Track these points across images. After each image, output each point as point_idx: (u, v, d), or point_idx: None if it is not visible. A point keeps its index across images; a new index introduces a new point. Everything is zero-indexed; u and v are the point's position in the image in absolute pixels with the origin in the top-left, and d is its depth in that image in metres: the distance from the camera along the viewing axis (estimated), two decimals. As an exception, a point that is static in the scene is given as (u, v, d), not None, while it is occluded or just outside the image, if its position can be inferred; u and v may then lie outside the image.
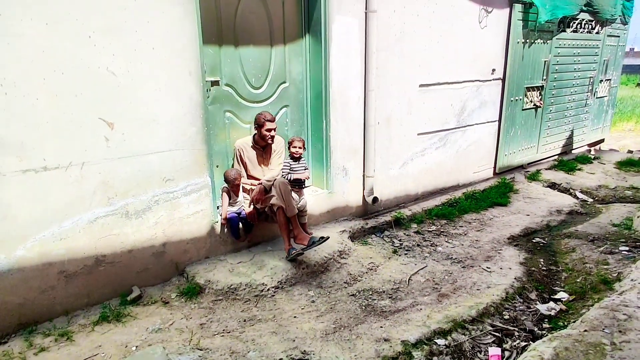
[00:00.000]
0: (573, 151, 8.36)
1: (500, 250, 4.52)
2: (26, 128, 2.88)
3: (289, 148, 4.13)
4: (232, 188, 3.91)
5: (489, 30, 5.83)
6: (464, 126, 5.94)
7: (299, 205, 4.09)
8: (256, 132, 3.96)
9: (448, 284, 3.89)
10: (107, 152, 3.21)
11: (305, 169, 4.17)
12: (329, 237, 3.91)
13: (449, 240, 4.79)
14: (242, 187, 4.04)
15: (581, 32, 7.43)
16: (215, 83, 3.91)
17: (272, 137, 3.94)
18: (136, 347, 2.95)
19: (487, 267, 4.13)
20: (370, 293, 3.75)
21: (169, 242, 3.66)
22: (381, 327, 3.22)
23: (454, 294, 3.69)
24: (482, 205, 5.68)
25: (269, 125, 3.87)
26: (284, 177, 4.02)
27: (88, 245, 3.26)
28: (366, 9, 4.44)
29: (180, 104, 3.49)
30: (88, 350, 2.91)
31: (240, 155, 4.04)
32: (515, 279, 3.89)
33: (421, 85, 5.23)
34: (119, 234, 3.38)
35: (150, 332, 3.12)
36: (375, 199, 4.97)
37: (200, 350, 2.92)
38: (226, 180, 3.90)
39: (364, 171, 4.94)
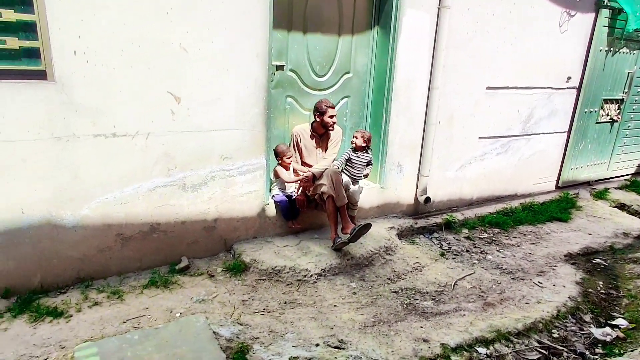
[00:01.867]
0: (649, 172, 7.76)
1: (555, 266, 4.30)
2: (101, 95, 3.04)
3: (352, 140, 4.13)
4: (281, 164, 3.95)
5: (569, 35, 5.49)
6: (529, 134, 5.67)
7: (350, 198, 4.08)
8: (316, 119, 3.97)
9: (495, 293, 3.75)
10: (171, 125, 3.34)
11: (364, 165, 4.13)
12: (371, 225, 3.88)
13: (501, 250, 4.61)
14: (294, 171, 4.08)
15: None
16: (280, 67, 3.95)
17: (334, 124, 3.94)
18: (180, 313, 3.06)
19: (539, 282, 3.94)
20: (413, 292, 3.69)
21: (220, 218, 3.77)
22: (421, 327, 3.16)
23: (501, 305, 3.55)
24: (540, 219, 5.42)
25: (331, 112, 3.87)
26: (338, 167, 4.02)
27: (145, 213, 3.41)
28: (439, 4, 4.31)
29: (245, 85, 3.56)
30: (136, 311, 3.06)
31: (297, 141, 4.07)
32: (569, 297, 3.69)
33: (488, 88, 5.03)
34: (174, 205, 3.52)
35: (195, 301, 3.23)
36: (427, 199, 4.86)
37: (241, 325, 2.99)
38: (276, 152, 3.94)
39: (419, 169, 4.84)
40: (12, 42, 2.77)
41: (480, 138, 5.21)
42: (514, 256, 4.49)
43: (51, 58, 2.84)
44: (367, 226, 3.83)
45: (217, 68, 3.40)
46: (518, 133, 5.56)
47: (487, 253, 4.52)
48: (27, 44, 2.81)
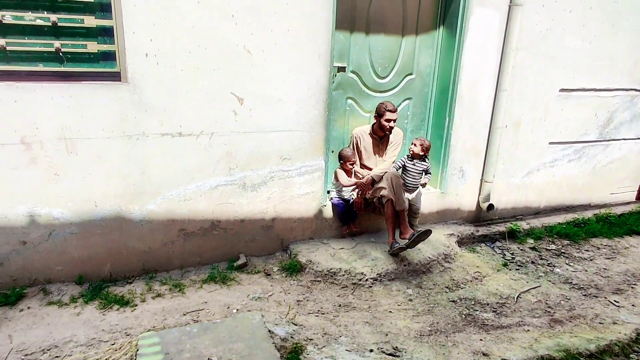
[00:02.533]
0: None
1: (635, 285, 3.95)
2: (169, 96, 3.18)
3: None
4: (347, 167, 3.93)
5: (657, 33, 5.03)
6: (608, 140, 5.26)
7: (412, 206, 4.01)
8: (375, 121, 3.92)
9: (564, 309, 3.50)
10: (234, 126, 3.42)
11: (420, 173, 4.03)
12: (431, 231, 3.77)
13: (570, 263, 4.31)
14: (355, 174, 4.04)
15: None
16: (341, 69, 3.93)
17: (391, 127, 3.86)
18: (237, 310, 3.13)
19: (616, 301, 3.64)
20: (473, 303, 3.54)
21: (278, 218, 3.81)
22: (481, 339, 3.02)
23: (570, 322, 3.32)
24: (617, 232, 5.01)
25: (388, 115, 3.79)
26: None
27: (206, 210, 3.52)
28: (511, 2, 4.10)
29: (307, 87, 3.58)
30: (195, 304, 3.16)
31: (357, 143, 4.03)
32: (650, 320, 3.38)
33: (562, 90, 4.72)
34: (234, 203, 3.60)
35: (251, 299, 3.29)
36: (490, 206, 4.65)
37: (295, 325, 3.01)
38: (340, 156, 3.93)
39: (482, 175, 4.64)
40: (92, 46, 2.96)
41: (550, 143, 4.91)
42: (586, 271, 4.19)
43: (125, 60, 3.01)
44: (427, 232, 3.72)
45: (279, 70, 3.44)
46: (594, 139, 5.17)
47: (554, 266, 4.25)
48: (104, 47, 2.99)
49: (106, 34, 2.97)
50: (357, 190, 3.99)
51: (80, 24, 2.90)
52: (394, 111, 3.81)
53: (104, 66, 3.02)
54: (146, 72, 3.06)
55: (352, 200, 4.01)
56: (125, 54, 2.99)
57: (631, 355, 3.02)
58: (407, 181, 4.06)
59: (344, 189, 3.99)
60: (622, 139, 5.35)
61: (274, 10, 3.29)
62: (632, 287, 3.90)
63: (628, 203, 5.79)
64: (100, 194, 3.17)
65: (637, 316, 3.43)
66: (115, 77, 3.03)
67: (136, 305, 3.10)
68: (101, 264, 3.32)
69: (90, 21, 2.92)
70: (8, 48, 2.79)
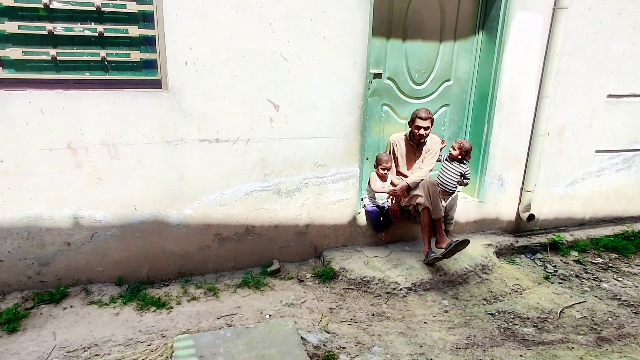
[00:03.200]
0: None
1: (689, 303, 3.71)
2: (207, 102, 3.24)
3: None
4: (379, 172, 3.89)
5: None
6: (660, 148, 4.98)
7: (447, 211, 3.92)
8: (410, 128, 3.86)
9: (612, 327, 3.32)
10: (269, 132, 3.46)
11: (457, 176, 3.93)
12: (469, 241, 3.66)
13: (619, 278, 4.09)
14: (391, 183, 3.99)
15: None
16: (377, 75, 3.91)
17: (421, 135, 3.78)
18: (270, 315, 3.14)
19: (668, 320, 3.42)
20: (512, 316, 3.41)
21: (311, 225, 3.81)
22: (521, 355, 2.91)
23: (619, 341, 3.14)
24: (670, 246, 4.72)
25: (418, 122, 3.73)
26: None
27: (241, 215, 3.56)
28: (555, 4, 3.97)
29: (342, 93, 3.57)
30: (229, 309, 3.19)
31: (394, 150, 3.99)
32: None
33: (610, 96, 4.51)
34: (269, 209, 3.63)
35: (284, 305, 3.29)
36: (531, 217, 4.48)
37: (328, 333, 2.98)
38: (376, 159, 3.89)
39: (522, 184, 4.49)
40: (135, 55, 3.06)
41: (597, 152, 4.69)
42: (637, 287, 3.96)
43: (166, 68, 3.09)
44: (465, 242, 3.62)
45: (315, 77, 3.45)
46: (645, 147, 4.92)
47: (601, 280, 4.04)
48: (147, 56, 3.09)
49: (148, 43, 3.07)
50: (392, 197, 3.94)
51: (124, 34, 3.01)
52: (424, 119, 3.72)
53: (145, 74, 3.12)
54: (186, 80, 3.14)
55: (386, 207, 3.96)
56: (166, 62, 3.08)
57: (685, 379, 2.83)
58: (443, 182, 3.97)
59: (377, 195, 3.94)
60: (676, 148, 5.06)
61: (310, 18, 3.31)
62: (686, 306, 3.66)
63: (683, 215, 5.45)
64: (139, 198, 3.26)
65: (692, 337, 3.21)
66: (156, 84, 3.12)
67: (172, 308, 3.16)
68: (139, 266, 3.41)
69: (133, 31, 3.02)
70: (58, 58, 2.93)
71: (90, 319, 2.99)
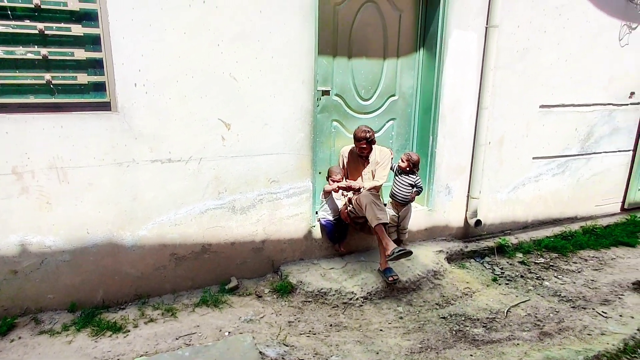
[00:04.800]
0: None
1: (622, 295, 4.01)
2: (159, 123, 3.27)
3: None
4: (330, 184, 3.96)
5: (631, 49, 5.22)
6: (589, 153, 5.39)
7: (401, 221, 4.08)
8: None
9: (553, 322, 3.55)
10: (222, 150, 3.51)
11: (408, 186, 4.09)
12: (412, 252, 3.69)
13: (559, 276, 4.37)
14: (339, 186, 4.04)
15: None
16: (325, 92, 4.05)
17: (362, 150, 3.95)
18: (229, 332, 3.15)
19: (603, 312, 3.69)
20: (463, 319, 3.58)
21: (268, 240, 3.87)
22: (471, 355, 3.05)
23: (559, 335, 3.36)
24: (603, 243, 5.09)
25: (355, 142, 3.94)
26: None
27: (197, 234, 3.57)
28: (487, 23, 4.27)
29: (292, 111, 3.68)
30: (187, 328, 3.18)
31: (344, 162, 4.13)
32: (638, 330, 3.42)
33: (542, 106, 4.87)
34: (224, 226, 3.66)
35: (243, 321, 3.31)
36: (478, 222, 4.72)
37: (286, 346, 3.03)
38: (329, 173, 3.98)
39: (468, 192, 4.73)
40: (82, 78, 3.05)
41: (534, 158, 5.02)
42: (574, 283, 4.25)
43: (115, 90, 3.10)
44: (408, 253, 3.68)
45: (265, 95, 3.55)
46: (576, 152, 5.31)
47: (543, 279, 4.30)
48: (95, 78, 3.09)
49: (96, 65, 3.08)
50: (343, 207, 4.05)
51: (70, 57, 3.00)
52: (359, 140, 3.87)
53: (94, 96, 3.11)
54: (136, 101, 3.16)
55: (339, 220, 4.06)
56: (114, 84, 3.09)
57: (619, 365, 3.06)
58: (396, 193, 4.13)
59: (332, 208, 4.01)
60: (603, 152, 5.49)
61: (257, 39, 3.42)
62: (619, 298, 3.95)
63: (613, 214, 5.89)
64: (92, 220, 3.22)
65: (624, 326, 3.47)
66: (106, 106, 3.12)
67: (129, 331, 3.12)
68: (93, 290, 3.34)
69: (80, 54, 3.02)
70: (0, 82, 2.88)
71: (41, 350, 2.90)
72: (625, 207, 5.97)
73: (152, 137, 3.26)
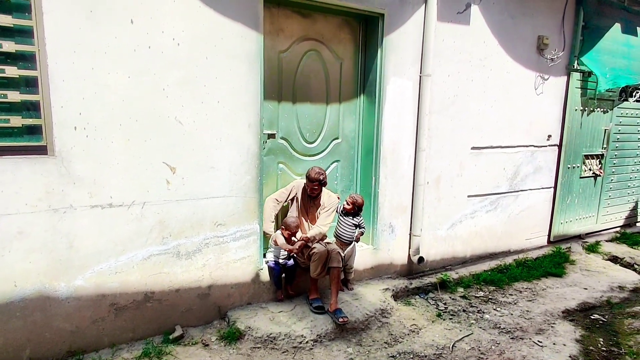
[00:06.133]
0: (638, 224, 7.86)
1: (554, 324, 4.26)
2: (99, 167, 3.16)
3: None
4: (284, 234, 3.95)
5: (545, 97, 5.81)
6: (517, 191, 5.81)
7: (346, 260, 4.15)
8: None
9: (495, 354, 3.68)
10: (166, 194, 3.43)
11: (352, 227, 4.21)
12: (346, 323, 3.82)
13: (498, 308, 4.57)
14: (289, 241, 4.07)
15: (645, 102, 7.20)
16: (271, 136, 4.12)
17: (313, 190, 4.06)
18: (173, 387, 2.98)
19: (539, 341, 3.89)
20: (412, 356, 3.62)
21: (214, 285, 3.76)
22: (420, 393, 3.08)
23: (501, 366, 3.49)
24: (535, 274, 5.42)
25: (307, 183, 4.05)
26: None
27: (139, 281, 3.41)
28: (421, 72, 4.59)
29: (238, 154, 3.70)
30: (128, 385, 2.98)
31: (296, 195, 4.17)
32: (570, 357, 3.64)
33: (473, 148, 5.23)
34: (168, 272, 3.53)
35: (188, 373, 3.15)
36: (421, 259, 4.88)
37: (235, 397, 2.91)
38: (286, 226, 3.95)
39: (411, 230, 4.90)
40: (16, 121, 2.91)
41: (469, 197, 5.33)
42: (512, 314, 4.46)
43: (52, 134, 2.98)
44: (342, 322, 3.80)
45: (211, 138, 3.55)
46: (506, 190, 5.70)
47: (484, 312, 4.48)
48: (30, 121, 2.95)
49: (32, 108, 2.95)
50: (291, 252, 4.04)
51: (3, 99, 2.87)
52: (312, 181, 3.98)
53: (28, 140, 2.96)
54: (75, 145, 3.05)
55: (288, 263, 4.04)
56: (52, 128, 2.97)
57: (557, 391, 3.21)
58: (340, 234, 4.24)
59: (281, 253, 4.00)
60: (529, 189, 5.95)
61: (203, 84, 3.45)
62: (551, 327, 4.19)
63: (541, 247, 6.32)
64: (20, 272, 2.98)
65: (558, 354, 3.68)
66: (42, 150, 2.97)
67: (60, 393, 2.86)
68: (19, 350, 3.05)
69: (14, 96, 2.89)
70: None
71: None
72: (551, 239, 6.43)
73: (92, 182, 3.13)
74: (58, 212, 3.05)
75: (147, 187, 3.35)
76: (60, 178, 3.03)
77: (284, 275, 4.09)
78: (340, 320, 3.77)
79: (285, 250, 3.94)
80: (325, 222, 4.16)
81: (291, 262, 4.07)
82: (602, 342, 3.98)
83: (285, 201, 4.20)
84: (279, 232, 4.00)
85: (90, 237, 3.18)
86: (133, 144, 3.25)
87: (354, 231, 4.25)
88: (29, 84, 2.94)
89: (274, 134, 4.15)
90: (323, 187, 4.11)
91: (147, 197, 3.36)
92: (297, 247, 3.93)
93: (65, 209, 3.07)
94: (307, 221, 4.24)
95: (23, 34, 2.88)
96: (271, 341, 3.57)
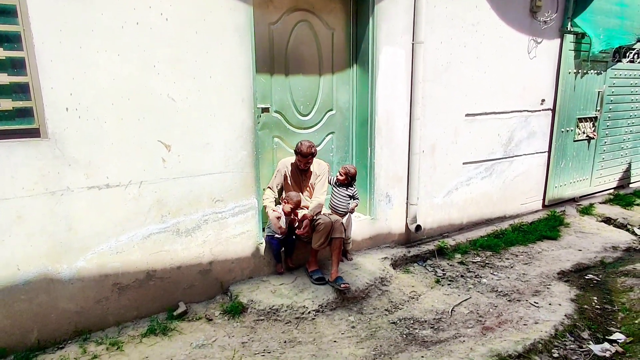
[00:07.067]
0: (631, 185, 7.96)
1: (549, 285, 4.36)
2: (94, 148, 3.13)
3: None
4: (289, 209, 3.92)
5: (539, 61, 5.77)
6: (512, 156, 5.84)
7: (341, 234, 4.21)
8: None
9: (493, 317, 3.78)
10: (163, 172, 3.42)
11: (346, 198, 4.24)
12: (348, 288, 3.91)
13: (495, 273, 4.66)
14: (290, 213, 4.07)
15: (639, 62, 7.18)
16: (265, 110, 4.09)
17: (307, 164, 4.06)
18: (181, 360, 3.05)
19: (535, 302, 3.99)
20: (412, 322, 3.71)
21: (215, 261, 3.80)
22: (422, 357, 3.17)
23: (499, 328, 3.58)
24: (530, 238, 5.51)
25: (299, 157, 4.00)
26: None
27: (141, 260, 3.44)
28: (413, 40, 4.54)
29: (233, 129, 3.68)
30: (136, 361, 3.04)
31: (286, 175, 4.16)
32: (565, 316, 3.74)
33: (467, 115, 5.22)
34: (169, 250, 3.55)
35: (194, 347, 3.22)
36: (418, 227, 4.94)
37: (242, 367, 2.98)
38: (288, 199, 3.93)
39: (407, 199, 4.94)
40: (6, 104, 2.86)
41: (464, 164, 5.36)
42: (508, 278, 4.55)
43: (44, 116, 2.94)
44: (345, 290, 3.90)
45: (204, 115, 3.52)
46: (500, 156, 5.73)
47: (481, 277, 4.57)
48: (20, 104, 2.90)
49: (21, 90, 2.90)
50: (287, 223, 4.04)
51: (-9, 82, 2.82)
52: (304, 155, 3.95)
53: (20, 123, 2.92)
54: (68, 127, 3.01)
55: (287, 238, 4.05)
56: (43, 110, 2.93)
57: (553, 350, 3.32)
58: (336, 206, 4.27)
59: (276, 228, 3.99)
60: (524, 154, 5.98)
61: (194, 59, 3.40)
62: (547, 288, 4.29)
63: (536, 211, 6.40)
64: (22, 256, 2.99)
65: (554, 314, 3.78)
66: (34, 133, 2.94)
67: (70, 371, 2.92)
68: (27, 332, 3.09)
69: (2, 78, 2.83)
70: None
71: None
72: (546, 203, 6.51)
73: (87, 163, 3.11)
74: (55, 195, 3.04)
75: (143, 166, 3.33)
76: (54, 160, 3.00)
77: (283, 249, 4.13)
78: (342, 286, 3.84)
79: (277, 230, 3.92)
80: (321, 192, 4.20)
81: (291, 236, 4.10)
82: (596, 301, 4.09)
83: (280, 185, 4.19)
84: (275, 213, 3.96)
85: (89, 218, 3.18)
86: (126, 123, 3.22)
87: (348, 202, 4.28)
88: (17, 66, 2.87)
89: (268, 108, 4.11)
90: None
91: (144, 176, 3.35)
92: (305, 230, 3.96)
93: (62, 191, 3.06)
94: (302, 195, 4.24)
95: (6, 13, 2.80)
96: (274, 313, 3.64)
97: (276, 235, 3.98)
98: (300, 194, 4.11)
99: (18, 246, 2.97)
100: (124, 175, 3.27)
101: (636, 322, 3.66)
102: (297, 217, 4.06)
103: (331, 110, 4.54)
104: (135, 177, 3.31)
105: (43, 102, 2.92)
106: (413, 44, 4.54)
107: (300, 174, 4.19)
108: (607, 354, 3.30)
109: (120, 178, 3.26)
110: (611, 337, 3.52)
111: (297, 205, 3.99)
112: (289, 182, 4.18)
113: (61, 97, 2.96)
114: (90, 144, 3.11)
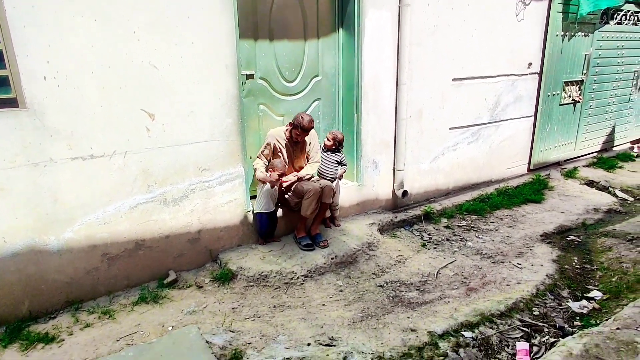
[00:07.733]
0: (614, 148, 8.08)
1: (532, 247, 4.47)
2: (76, 118, 3.07)
3: None
4: (276, 177, 3.90)
5: (526, 23, 5.71)
6: (498, 121, 5.86)
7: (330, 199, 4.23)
8: (290, 127, 4.02)
9: (477, 278, 3.89)
10: (148, 142, 3.38)
11: (334, 164, 4.26)
12: (327, 246, 4.11)
13: (480, 236, 4.77)
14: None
15: (626, 24, 7.14)
16: (250, 76, 4.02)
17: (303, 137, 4.04)
18: (172, 327, 3.11)
19: (518, 263, 4.10)
20: (398, 285, 3.80)
21: (203, 230, 3.81)
22: (408, 317, 3.27)
23: (483, 289, 3.69)
24: (515, 202, 5.61)
25: (300, 131, 3.93)
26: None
27: (129, 230, 3.44)
28: (400, 2, 4.44)
29: (217, 97, 3.62)
30: (128, 328, 3.09)
31: (275, 146, 4.12)
32: (546, 275, 3.85)
33: (454, 79, 5.19)
34: (157, 220, 3.56)
35: (185, 313, 3.27)
36: (405, 193, 4.99)
37: (232, 332, 3.05)
38: (273, 167, 3.92)
39: (394, 164, 4.96)
40: (-20, 73, 2.78)
41: (450, 129, 5.37)
42: (493, 240, 4.65)
43: (21, 85, 2.86)
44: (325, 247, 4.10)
45: (188, 82, 3.45)
46: (487, 121, 5.74)
47: (466, 240, 4.67)
48: (-5, 73, 2.82)
49: (-5, 59, 2.81)
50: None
51: (-37, 51, 2.72)
52: (307, 130, 3.90)
53: (-3, 93, 2.85)
54: (47, 96, 2.94)
55: (271, 210, 4.03)
56: (19, 79, 2.84)
57: (533, 309, 3.44)
58: (324, 172, 4.30)
59: (264, 203, 3.96)
60: (510, 119, 6.00)
61: (175, 25, 3.30)
62: (530, 249, 4.41)
63: (522, 175, 6.49)
64: (8, 228, 2.98)
65: (536, 274, 3.89)
66: (12, 103, 2.87)
67: (63, 340, 2.96)
68: (18, 303, 3.11)
69: (-26, 47, 2.74)
70: None
71: (-35, 371, 2.68)
72: (531, 167, 6.60)
73: (69, 134, 3.06)
74: (38, 167, 3.00)
75: (127, 136, 3.28)
76: (35, 131, 2.94)
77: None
78: (321, 244, 4.01)
79: (272, 181, 3.88)
80: (316, 160, 4.25)
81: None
82: (576, 261, 4.22)
83: (270, 158, 4.11)
84: (266, 173, 3.95)
85: (74, 189, 3.16)
86: (108, 92, 3.15)
87: (336, 168, 4.29)
88: (-11, 33, 2.77)
89: (253, 75, 4.04)
90: None
91: (128, 146, 3.31)
92: (290, 182, 4.03)
93: (45, 162, 3.01)
94: (293, 166, 4.23)
95: (-26, -23, 2.68)
96: (263, 279, 3.70)
97: (263, 212, 3.97)
98: (285, 164, 4.07)
99: (3, 219, 2.95)
100: (108, 146, 3.23)
101: (613, 280, 3.80)
102: (282, 185, 4.06)
103: (317, 76, 4.47)
104: (119, 147, 3.27)
105: (19, 70, 2.83)
106: (399, 6, 4.45)
107: (293, 145, 4.15)
108: (585, 311, 3.44)
109: (104, 148, 3.21)
110: (589, 295, 3.66)
111: (282, 173, 3.99)
112: (283, 154, 4.09)
113: (38, 65, 2.88)
114: (72, 114, 3.05)
